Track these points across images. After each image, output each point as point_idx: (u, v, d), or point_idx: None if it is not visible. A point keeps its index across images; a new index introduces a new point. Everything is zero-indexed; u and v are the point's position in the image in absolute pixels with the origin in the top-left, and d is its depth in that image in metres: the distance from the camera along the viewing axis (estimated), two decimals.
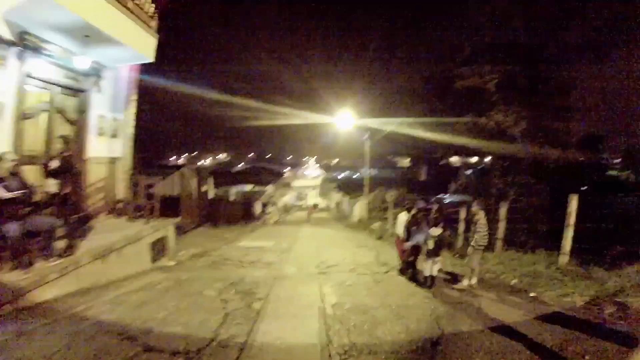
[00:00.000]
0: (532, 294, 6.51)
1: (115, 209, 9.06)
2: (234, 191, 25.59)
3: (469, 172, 16.81)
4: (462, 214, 12.42)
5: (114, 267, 6.84)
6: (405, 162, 77.09)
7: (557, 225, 9.54)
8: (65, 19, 6.50)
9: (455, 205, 15.51)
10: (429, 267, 7.05)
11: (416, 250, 7.51)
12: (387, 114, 22.09)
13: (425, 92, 16.35)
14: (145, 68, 10.16)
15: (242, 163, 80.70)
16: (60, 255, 5.80)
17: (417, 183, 46.99)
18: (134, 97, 10.09)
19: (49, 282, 5.39)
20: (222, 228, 17.02)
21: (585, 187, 16.00)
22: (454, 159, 78.27)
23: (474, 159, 78.66)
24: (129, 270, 7.28)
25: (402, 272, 8.08)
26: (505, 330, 4.70)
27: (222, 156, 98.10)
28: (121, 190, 9.53)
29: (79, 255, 6.12)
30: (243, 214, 23.90)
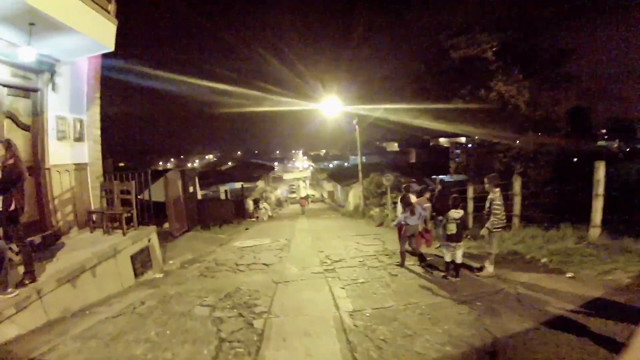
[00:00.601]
0: (568, 275, 5.68)
1: (88, 222, 7.94)
2: (223, 190, 24.37)
3: (469, 147, 15.81)
4: (470, 191, 11.55)
5: (88, 290, 5.78)
6: (394, 146, 76.78)
7: (572, 197, 8.75)
8: (3, 3, 5.32)
9: (460, 184, 14.73)
10: (450, 254, 6.22)
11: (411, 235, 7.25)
12: (376, 98, 21.07)
13: (417, 70, 15.33)
14: (114, 69, 8.99)
15: (230, 163, 79.38)
16: (17, 285, 4.73)
17: (408, 166, 46.47)
18: (98, 94, 8.89)
19: (4, 319, 4.33)
20: (214, 229, 15.95)
21: (576, 159, 15.34)
22: (443, 140, 78.13)
23: (462, 139, 78.59)
24: (107, 290, 6.23)
25: (402, 263, 7.31)
26: (562, 324, 3.83)
27: (210, 157, 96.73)
28: (93, 199, 8.39)
29: (42, 282, 5.05)
30: (236, 212, 22.82)
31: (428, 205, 8.27)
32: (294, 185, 63.49)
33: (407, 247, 7.40)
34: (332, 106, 21.25)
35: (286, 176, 61.85)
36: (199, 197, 17.49)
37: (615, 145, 30.05)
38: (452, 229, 6.12)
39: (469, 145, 16.35)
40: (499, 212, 6.13)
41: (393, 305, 4.85)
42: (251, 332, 4.20)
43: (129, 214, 7.80)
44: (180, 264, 9.06)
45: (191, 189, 14.79)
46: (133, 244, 7.37)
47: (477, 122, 13.54)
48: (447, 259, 6.24)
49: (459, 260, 6.20)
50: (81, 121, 8.43)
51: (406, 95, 18.42)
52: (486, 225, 6.23)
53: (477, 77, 12.59)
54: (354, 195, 30.29)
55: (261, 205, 25.66)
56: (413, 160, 59.09)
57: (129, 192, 8.00)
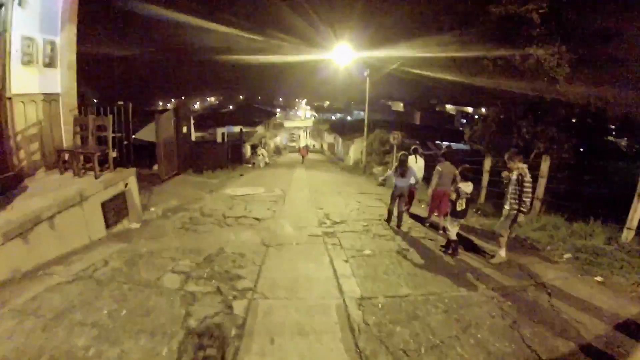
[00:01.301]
0: (598, 278, 4.85)
1: (58, 163, 6.81)
2: (221, 132, 23.01)
3: (486, 113, 14.33)
4: (487, 164, 10.41)
5: (46, 244, 4.81)
6: (400, 106, 74.37)
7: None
8: None
9: (471, 154, 13.60)
10: (454, 231, 5.62)
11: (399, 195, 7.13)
12: (392, 47, 19.17)
13: (445, 18, 13.46)
14: None
15: (231, 107, 77.14)
16: None
17: (412, 127, 44.78)
18: (75, 11, 7.43)
19: None
20: (207, 174, 14.92)
21: (582, 150, 14.13)
22: (450, 107, 75.68)
23: (469, 109, 75.93)
24: (71, 244, 5.27)
25: (388, 220, 7.33)
26: (608, 348, 2.91)
27: (211, 99, 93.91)
28: (65, 136, 7.21)
29: None
30: (232, 157, 21.73)
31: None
32: (294, 133, 61.92)
33: (395, 207, 7.24)
34: (343, 54, 19.51)
35: (287, 124, 60.03)
36: (194, 138, 16.24)
37: (624, 143, 29.25)
38: (462, 204, 5.44)
39: (485, 114, 14.85)
40: (528, 191, 5.13)
41: (410, 295, 3.94)
42: (229, 320, 3.28)
43: (102, 154, 6.67)
44: (163, 212, 8.10)
45: (185, 130, 13.56)
46: (105, 188, 6.32)
47: (504, 88, 12.11)
48: (453, 236, 5.61)
49: (453, 236, 5.61)
50: (53, 43, 7.05)
51: (428, 47, 16.61)
52: (505, 205, 5.36)
53: (514, 40, 10.98)
54: (355, 150, 29.16)
55: (259, 152, 24.47)
56: (417, 122, 57.29)
57: (104, 129, 6.81)
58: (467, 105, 67.43)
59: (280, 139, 52.52)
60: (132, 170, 7.27)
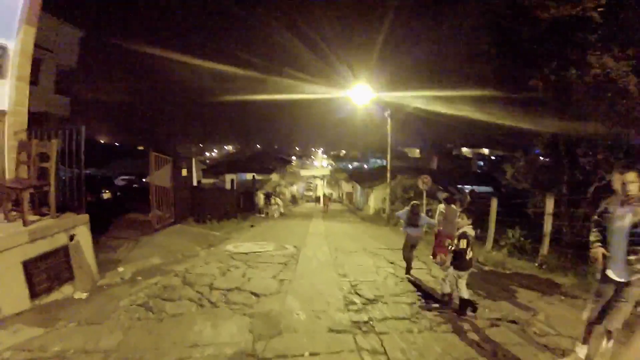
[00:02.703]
0: None
1: None
2: (230, 179, 21.17)
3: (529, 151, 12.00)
4: (549, 205, 8.08)
5: None
6: (416, 152, 73.04)
7: None
8: None
9: (524, 195, 11.24)
10: (449, 284, 4.69)
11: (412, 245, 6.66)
12: (412, 87, 17.59)
13: (476, 46, 11.70)
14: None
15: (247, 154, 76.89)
16: None
17: (430, 172, 42.63)
18: (36, 13, 5.84)
19: None
20: (211, 224, 12.86)
21: None
22: (466, 150, 74.15)
23: (486, 150, 74.50)
24: None
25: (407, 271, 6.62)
26: None
27: (229, 147, 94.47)
28: (9, 164, 5.31)
29: None
30: (243, 205, 19.76)
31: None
32: (311, 182, 60.22)
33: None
34: (361, 94, 17.92)
35: (303, 172, 58.47)
36: (195, 183, 14.35)
37: None
38: (470, 252, 4.48)
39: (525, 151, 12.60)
40: None
41: None
42: None
43: (42, 190, 4.69)
44: (132, 275, 5.96)
45: (184, 173, 11.68)
46: (33, 241, 4.27)
47: (556, 111, 10.01)
48: (465, 294, 4.47)
49: (465, 294, 4.45)
50: (4, 48, 5.40)
51: (452, 82, 14.93)
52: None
53: (566, 51, 9.04)
54: (376, 198, 26.98)
55: (273, 201, 22.46)
56: (435, 166, 55.29)
57: (46, 158, 4.87)
58: (483, 147, 68.24)
59: (296, 187, 50.70)
60: (83, 217, 5.25)
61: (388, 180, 18.43)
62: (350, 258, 8.04)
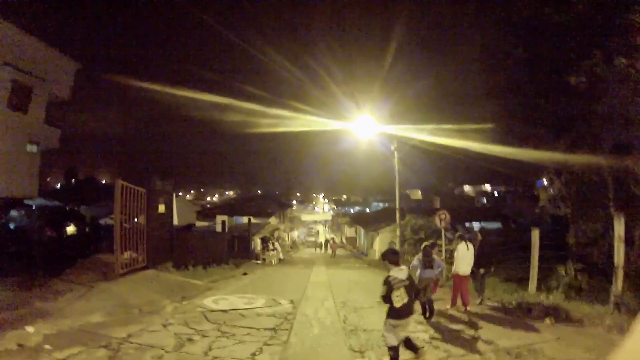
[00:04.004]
0: None
1: None
2: (220, 220, 19.02)
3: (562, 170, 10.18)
4: (618, 229, 6.06)
5: None
6: (418, 194, 71.17)
7: None
8: None
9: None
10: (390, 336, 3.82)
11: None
12: (421, 119, 16.12)
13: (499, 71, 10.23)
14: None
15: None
16: None
17: (433, 211, 40.67)
18: None
19: None
20: (194, 271, 10.69)
21: None
22: (468, 189, 72.66)
23: (488, 187, 73.22)
24: None
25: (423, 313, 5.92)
26: None
27: (229, 193, 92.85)
28: None
29: None
30: (238, 251, 17.56)
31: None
32: (312, 228, 57.73)
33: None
34: (365, 126, 16.30)
35: (305, 217, 56.20)
36: (176, 221, 12.30)
37: None
38: (402, 295, 3.74)
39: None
40: None
41: None
42: None
43: None
44: (40, 341, 3.97)
45: (162, 209, 9.72)
46: None
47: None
48: (393, 341, 3.77)
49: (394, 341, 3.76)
50: None
51: (461, 117, 13.54)
52: None
53: (614, 36, 7.43)
54: (382, 241, 24.75)
55: (270, 246, 20.23)
56: (438, 206, 53.31)
57: None
58: (484, 184, 68.99)
59: (297, 233, 48.19)
60: None
61: (397, 220, 16.32)
62: (365, 318, 5.88)
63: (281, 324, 5.31)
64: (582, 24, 7.64)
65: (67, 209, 11.72)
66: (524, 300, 6.54)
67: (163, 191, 9.82)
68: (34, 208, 10.31)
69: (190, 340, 4.38)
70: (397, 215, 16.25)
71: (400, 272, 3.85)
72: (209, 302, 7.02)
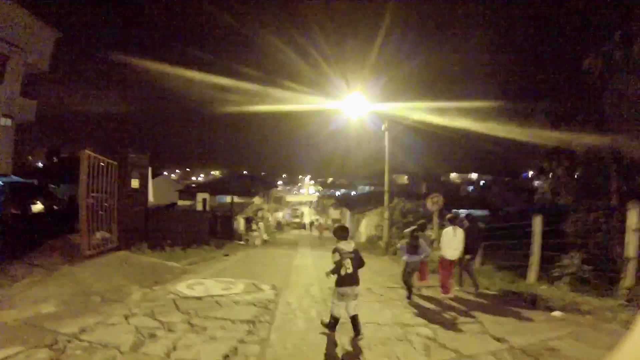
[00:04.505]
0: None
1: None
2: (201, 198, 18.14)
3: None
4: (632, 218, 5.59)
5: None
6: (404, 179, 71.16)
7: None
8: None
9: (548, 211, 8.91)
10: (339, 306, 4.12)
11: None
12: (414, 97, 15.43)
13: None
14: None
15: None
16: None
17: (418, 196, 40.71)
18: None
19: None
20: (171, 252, 9.93)
21: None
22: (454, 175, 73.17)
23: (474, 175, 73.90)
24: None
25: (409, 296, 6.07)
26: None
27: (215, 173, 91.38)
28: None
29: None
30: (221, 231, 16.80)
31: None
32: (297, 209, 57.10)
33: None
34: (356, 105, 15.55)
35: (289, 198, 55.53)
36: (151, 198, 11.45)
37: None
38: (347, 265, 4.07)
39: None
40: None
41: None
42: None
43: None
44: None
45: (135, 185, 8.87)
46: None
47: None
48: (339, 312, 4.09)
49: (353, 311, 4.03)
50: None
51: (457, 94, 12.80)
52: None
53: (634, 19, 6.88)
54: (368, 225, 24.33)
55: (254, 226, 19.52)
56: (424, 191, 53.36)
57: None
58: (471, 172, 70.03)
59: (282, 214, 47.50)
60: None
61: (386, 202, 15.73)
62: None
63: (261, 314, 4.65)
64: (604, 2, 7.04)
65: (36, 185, 10.71)
66: (526, 290, 6.04)
67: (137, 165, 8.95)
68: (2, 184, 9.29)
69: (152, 336, 3.69)
70: (386, 197, 15.67)
71: (347, 245, 4.26)
72: (182, 287, 6.32)
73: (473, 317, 4.96)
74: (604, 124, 8.09)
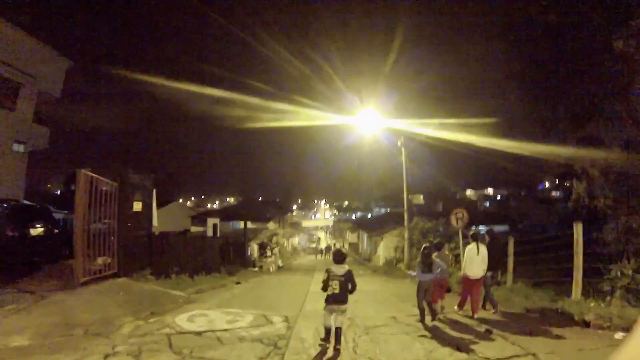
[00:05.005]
0: None
1: None
2: (212, 223, 17.47)
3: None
4: None
5: None
6: (420, 199, 69.69)
7: None
8: None
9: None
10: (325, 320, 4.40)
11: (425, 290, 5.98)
12: (428, 115, 14.79)
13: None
14: None
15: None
16: None
17: (436, 215, 39.48)
18: None
19: None
20: (177, 279, 9.19)
21: None
22: (470, 192, 71.32)
23: (490, 191, 72.07)
24: None
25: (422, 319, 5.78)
26: None
27: (230, 200, 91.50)
28: None
29: None
30: (234, 257, 16.04)
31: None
32: (313, 234, 56.01)
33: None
34: (370, 120, 14.93)
35: (305, 223, 54.57)
36: (155, 222, 10.82)
37: None
38: (334, 286, 4.37)
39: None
40: None
41: None
42: None
43: None
44: None
45: (138, 207, 8.29)
46: None
47: None
48: (327, 322, 4.33)
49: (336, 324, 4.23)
50: None
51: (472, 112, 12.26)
52: None
53: None
54: (386, 246, 23.20)
55: (268, 252, 18.71)
56: (440, 210, 51.86)
57: None
58: (487, 188, 69.51)
59: (297, 239, 46.50)
60: None
61: (405, 222, 14.80)
62: (382, 344, 4.41)
63: (268, 355, 3.82)
64: None
65: (38, 207, 10.26)
66: (577, 310, 5.12)
67: (140, 187, 8.39)
68: (5, 206, 8.84)
69: None
70: (405, 216, 14.77)
71: (339, 269, 4.51)
72: (182, 319, 5.54)
73: (522, 347, 4.02)
74: (633, 114, 7.25)
